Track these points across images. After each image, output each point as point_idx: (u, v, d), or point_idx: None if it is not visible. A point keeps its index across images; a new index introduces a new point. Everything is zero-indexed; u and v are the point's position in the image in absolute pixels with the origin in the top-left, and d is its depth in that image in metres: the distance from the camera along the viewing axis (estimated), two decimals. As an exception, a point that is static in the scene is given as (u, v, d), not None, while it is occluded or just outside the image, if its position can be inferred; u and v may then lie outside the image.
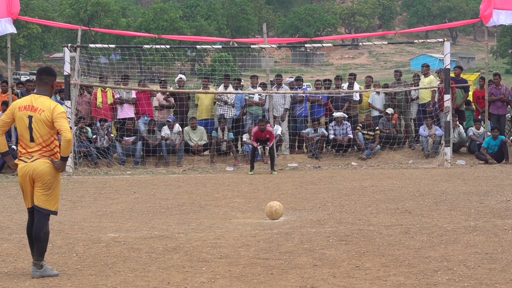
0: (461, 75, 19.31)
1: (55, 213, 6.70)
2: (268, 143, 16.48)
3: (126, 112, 18.40)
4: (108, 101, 18.13)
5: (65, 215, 10.28)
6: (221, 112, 18.47)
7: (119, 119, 18.20)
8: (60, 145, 6.73)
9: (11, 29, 17.27)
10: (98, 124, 17.70)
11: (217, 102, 18.55)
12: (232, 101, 18.47)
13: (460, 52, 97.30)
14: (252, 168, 16.25)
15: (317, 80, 20.29)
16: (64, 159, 6.65)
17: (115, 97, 18.39)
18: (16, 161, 6.84)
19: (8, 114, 6.79)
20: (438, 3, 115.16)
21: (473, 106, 19.27)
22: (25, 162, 6.70)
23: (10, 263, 7.13)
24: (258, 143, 16.47)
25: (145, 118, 18.35)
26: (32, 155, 6.67)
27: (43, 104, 6.65)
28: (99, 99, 17.96)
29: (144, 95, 18.48)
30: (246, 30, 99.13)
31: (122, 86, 18.60)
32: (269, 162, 16.55)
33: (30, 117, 6.63)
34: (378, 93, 18.98)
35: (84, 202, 11.80)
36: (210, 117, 18.81)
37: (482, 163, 17.20)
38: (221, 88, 18.62)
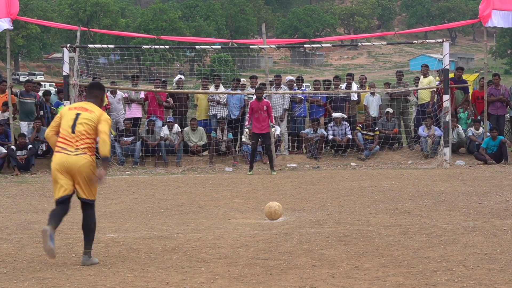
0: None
1: (94, 201, 7.13)
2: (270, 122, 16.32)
3: (134, 112, 18.43)
4: (104, 102, 18.11)
5: (64, 215, 10.27)
6: (214, 112, 18.55)
7: (127, 118, 18.21)
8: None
9: (8, 25, 17.25)
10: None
11: (210, 103, 18.62)
12: (224, 101, 18.56)
13: (459, 53, 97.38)
14: (251, 168, 16.23)
15: (315, 80, 20.30)
16: (105, 160, 7.02)
17: (124, 96, 18.42)
18: (55, 153, 7.07)
19: (58, 115, 7.26)
20: (437, 3, 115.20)
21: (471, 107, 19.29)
22: (67, 154, 6.95)
23: (9, 263, 7.12)
24: (260, 138, 16.28)
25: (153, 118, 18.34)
26: (71, 146, 6.96)
27: (94, 108, 7.18)
28: None
29: (152, 95, 18.50)
30: (245, 30, 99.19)
31: (121, 86, 18.61)
32: (268, 162, 16.54)
33: (77, 114, 7.07)
34: (373, 94, 18.99)
35: (83, 202, 11.78)
36: (209, 118, 18.84)
37: (481, 163, 17.21)
38: (212, 88, 18.72)
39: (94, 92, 7.37)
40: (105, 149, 6.91)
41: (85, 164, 6.93)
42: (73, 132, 6.99)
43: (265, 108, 16.18)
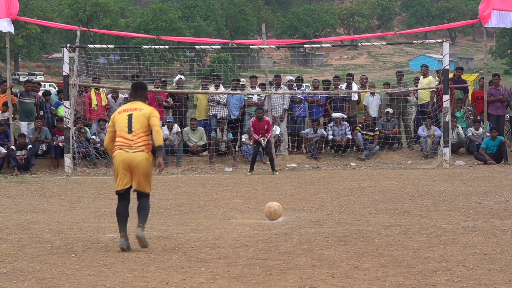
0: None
1: (149, 194, 7.89)
2: (266, 134, 16.39)
3: None
4: (103, 102, 18.13)
5: (64, 215, 10.28)
6: (214, 112, 18.56)
7: None
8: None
9: (9, 28, 17.26)
10: (97, 124, 17.71)
11: (210, 103, 18.62)
12: (224, 101, 18.56)
13: (459, 53, 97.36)
14: (251, 169, 16.23)
15: (314, 80, 20.30)
16: (159, 148, 7.71)
17: (124, 96, 18.42)
18: (116, 149, 7.77)
19: (111, 124, 7.94)
20: (437, 3, 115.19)
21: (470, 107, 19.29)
22: (126, 152, 7.68)
23: (8, 264, 7.12)
24: (260, 135, 16.33)
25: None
26: (130, 144, 7.69)
27: (142, 105, 7.87)
28: (94, 102, 17.95)
29: (151, 95, 18.48)
30: (245, 30, 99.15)
31: (120, 87, 18.60)
32: (269, 163, 16.55)
33: (130, 115, 7.77)
34: (373, 94, 18.99)
35: (83, 202, 11.80)
36: (209, 118, 18.83)
37: (481, 163, 17.21)
38: (212, 89, 18.71)
39: (139, 92, 8.04)
40: (159, 138, 7.67)
41: (142, 161, 7.66)
42: (130, 132, 7.70)
43: (266, 127, 16.32)
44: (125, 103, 18.27)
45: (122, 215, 7.82)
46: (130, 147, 7.67)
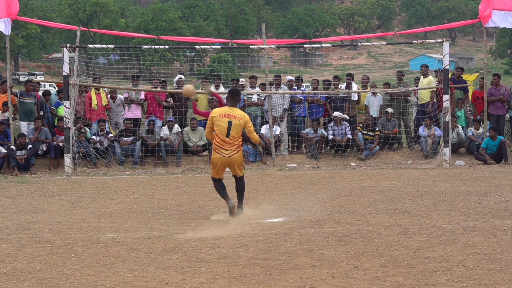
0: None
1: (243, 176, 10.08)
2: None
3: (134, 112, 18.43)
4: (103, 102, 18.14)
5: (64, 215, 10.28)
6: None
7: (127, 118, 18.21)
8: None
9: (6, 30, 17.26)
10: (97, 124, 17.71)
11: (209, 104, 18.59)
12: (224, 101, 18.49)
13: (459, 53, 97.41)
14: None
15: (313, 79, 20.29)
16: (258, 143, 10.36)
17: (124, 96, 18.43)
18: (213, 153, 9.89)
19: (209, 122, 9.89)
20: (437, 3, 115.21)
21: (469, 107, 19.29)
22: (222, 155, 9.78)
23: (8, 264, 7.12)
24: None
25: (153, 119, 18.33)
26: (226, 148, 9.75)
27: (239, 113, 9.86)
28: (94, 102, 17.95)
29: (151, 95, 18.49)
30: (245, 30, 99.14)
31: (120, 87, 18.60)
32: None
33: (230, 122, 9.70)
34: (374, 94, 18.98)
35: (83, 202, 11.80)
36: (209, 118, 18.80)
37: (481, 163, 17.21)
38: (212, 88, 18.67)
39: (235, 98, 10.09)
40: (255, 138, 10.08)
41: (237, 158, 9.82)
42: (227, 136, 9.70)
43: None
44: (125, 102, 18.41)
45: (222, 193, 10.10)
46: (225, 150, 9.78)
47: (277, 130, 18.22)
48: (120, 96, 18.65)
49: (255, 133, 10.04)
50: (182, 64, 56.13)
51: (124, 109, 18.48)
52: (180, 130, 18.13)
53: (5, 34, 17.57)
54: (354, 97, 18.88)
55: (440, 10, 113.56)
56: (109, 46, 19.83)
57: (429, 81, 18.38)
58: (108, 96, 18.43)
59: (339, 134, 18.34)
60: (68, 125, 16.63)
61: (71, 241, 8.23)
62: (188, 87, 10.82)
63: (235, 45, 20.81)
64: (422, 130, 18.06)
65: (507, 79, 60.40)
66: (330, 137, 18.34)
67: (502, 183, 13.31)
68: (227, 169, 10.05)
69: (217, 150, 9.79)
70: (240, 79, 20.08)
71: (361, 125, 18.64)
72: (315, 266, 6.82)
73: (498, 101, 18.50)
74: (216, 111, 9.85)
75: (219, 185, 10.01)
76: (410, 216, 9.61)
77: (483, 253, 7.23)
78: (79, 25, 19.19)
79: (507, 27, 18.55)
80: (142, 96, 18.49)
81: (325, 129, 18.57)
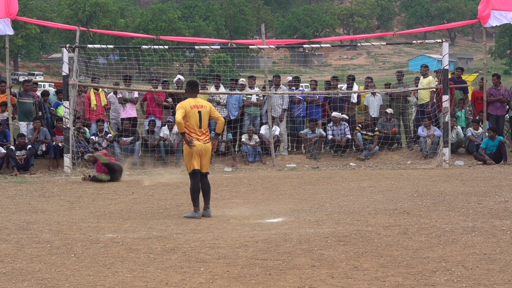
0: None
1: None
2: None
3: (129, 112, 18.41)
4: (102, 102, 18.13)
5: (63, 215, 10.28)
6: None
7: (122, 119, 18.21)
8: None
9: (8, 30, 17.26)
10: (95, 124, 17.71)
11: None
12: (224, 101, 18.54)
13: (458, 53, 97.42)
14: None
15: (312, 80, 20.30)
16: (218, 135, 10.38)
17: (118, 96, 18.42)
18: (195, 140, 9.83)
19: (182, 111, 9.73)
20: (437, 3, 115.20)
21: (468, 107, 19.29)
22: (199, 141, 9.82)
23: (8, 264, 7.12)
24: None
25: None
26: (200, 136, 9.84)
27: (203, 102, 10.04)
28: (93, 102, 17.95)
29: (150, 96, 18.48)
30: (244, 30, 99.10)
31: (120, 87, 18.60)
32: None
33: (199, 112, 9.81)
34: (374, 94, 18.97)
35: (82, 202, 11.80)
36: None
37: (480, 163, 17.21)
38: (212, 89, 18.69)
39: (195, 89, 10.06)
40: (221, 129, 10.26)
41: (210, 146, 9.95)
42: (200, 127, 9.81)
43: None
44: (119, 102, 18.36)
45: (194, 200, 10.10)
46: (200, 139, 9.81)
47: (277, 130, 18.22)
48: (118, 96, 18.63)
49: (222, 118, 10.11)
50: (181, 64, 56.14)
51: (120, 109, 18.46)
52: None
53: (10, 34, 17.54)
54: (354, 99, 18.85)
55: (440, 10, 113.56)
56: (108, 46, 19.84)
57: (429, 81, 18.38)
58: (111, 92, 18.45)
59: (339, 134, 18.33)
60: (68, 125, 16.63)
61: (70, 241, 8.23)
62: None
63: (235, 45, 20.86)
64: (422, 130, 18.06)
65: (507, 79, 60.38)
66: (330, 137, 18.34)
67: (502, 183, 13.31)
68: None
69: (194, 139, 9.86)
70: (240, 79, 20.07)
71: (360, 125, 18.63)
72: (315, 266, 6.82)
73: (497, 101, 18.50)
74: (185, 103, 9.82)
75: (196, 183, 9.90)
76: (410, 216, 9.61)
77: (483, 253, 7.23)
78: (78, 25, 19.19)
79: (508, 22, 18.50)
80: (136, 95, 18.48)
81: (324, 129, 18.56)
